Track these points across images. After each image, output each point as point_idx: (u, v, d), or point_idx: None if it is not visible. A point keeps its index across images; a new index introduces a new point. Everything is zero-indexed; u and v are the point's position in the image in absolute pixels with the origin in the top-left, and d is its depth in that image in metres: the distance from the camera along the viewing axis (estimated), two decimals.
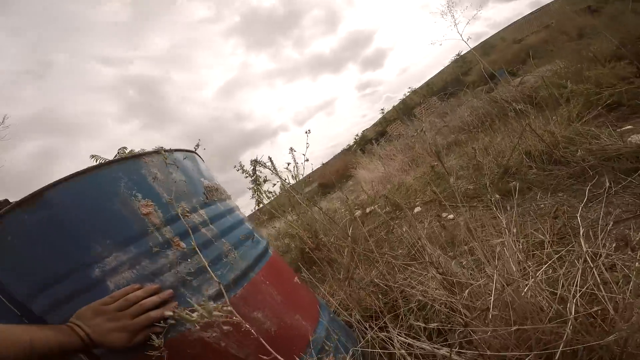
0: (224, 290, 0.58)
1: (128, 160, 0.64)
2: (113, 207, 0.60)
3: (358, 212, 2.98)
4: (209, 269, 0.61)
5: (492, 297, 0.56)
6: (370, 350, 0.84)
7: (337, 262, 1.41)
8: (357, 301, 1.21)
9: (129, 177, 0.62)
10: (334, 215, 2.37)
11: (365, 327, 0.94)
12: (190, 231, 0.63)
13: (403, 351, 0.72)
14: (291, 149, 1.76)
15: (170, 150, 0.73)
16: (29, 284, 0.59)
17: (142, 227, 0.61)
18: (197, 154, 0.86)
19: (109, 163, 0.62)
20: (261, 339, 0.55)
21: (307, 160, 1.24)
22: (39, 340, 0.51)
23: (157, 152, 0.69)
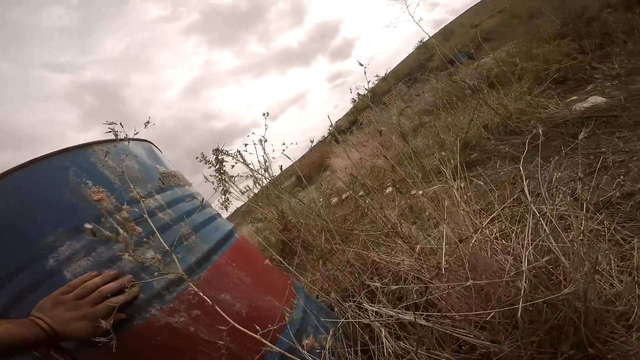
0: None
1: (75, 149, 0.63)
2: (62, 195, 0.58)
3: (334, 199, 3.01)
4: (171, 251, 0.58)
5: (444, 252, 0.59)
6: (350, 321, 0.85)
7: (314, 247, 1.43)
8: (334, 282, 1.24)
9: (78, 165, 0.61)
10: (309, 203, 2.38)
11: (345, 307, 0.96)
12: (146, 215, 0.61)
13: (377, 322, 0.73)
14: (261, 140, 1.72)
15: (122, 139, 0.72)
16: None
17: (95, 214, 0.60)
18: (152, 143, 0.85)
19: (55, 153, 0.60)
20: (228, 319, 0.55)
21: (266, 140, 1.22)
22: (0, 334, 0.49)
23: (108, 140, 0.68)
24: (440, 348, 0.70)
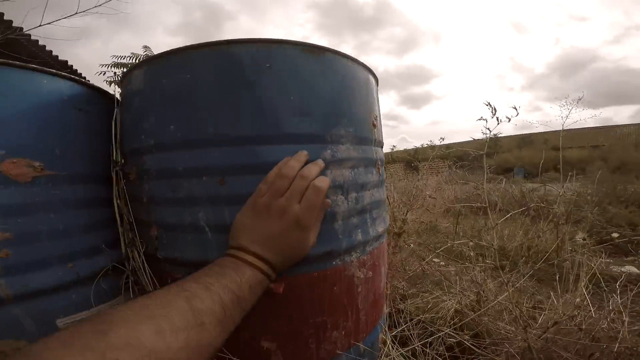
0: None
1: (367, 68, 0.59)
2: (361, 101, 0.54)
3: None
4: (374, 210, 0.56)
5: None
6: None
7: None
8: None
9: (371, 81, 0.59)
10: None
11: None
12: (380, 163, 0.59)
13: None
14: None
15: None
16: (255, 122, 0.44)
17: (372, 134, 0.56)
18: None
19: (357, 61, 0.56)
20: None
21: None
22: (202, 303, 0.31)
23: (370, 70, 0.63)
24: None
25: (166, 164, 0.47)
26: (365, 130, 0.54)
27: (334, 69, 0.50)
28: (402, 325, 0.85)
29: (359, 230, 0.52)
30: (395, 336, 0.79)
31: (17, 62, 0.46)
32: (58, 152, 0.47)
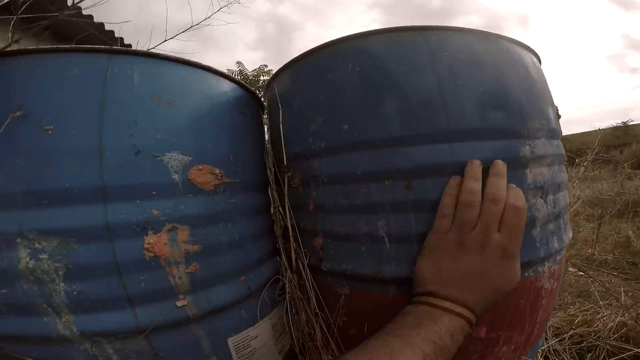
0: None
1: (536, 53, 0.51)
2: (546, 85, 0.49)
3: None
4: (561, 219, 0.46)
5: None
6: None
7: None
8: None
9: (539, 65, 0.52)
10: None
11: None
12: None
13: None
14: None
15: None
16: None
17: (558, 126, 0.49)
18: None
19: (527, 46, 0.49)
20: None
21: None
22: (405, 357, 0.29)
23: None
24: None
25: (340, 168, 0.43)
26: (553, 121, 0.48)
27: (513, 55, 0.45)
28: (550, 339, 0.81)
29: (555, 237, 0.45)
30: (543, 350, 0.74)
31: (193, 60, 0.44)
32: (232, 159, 0.45)
